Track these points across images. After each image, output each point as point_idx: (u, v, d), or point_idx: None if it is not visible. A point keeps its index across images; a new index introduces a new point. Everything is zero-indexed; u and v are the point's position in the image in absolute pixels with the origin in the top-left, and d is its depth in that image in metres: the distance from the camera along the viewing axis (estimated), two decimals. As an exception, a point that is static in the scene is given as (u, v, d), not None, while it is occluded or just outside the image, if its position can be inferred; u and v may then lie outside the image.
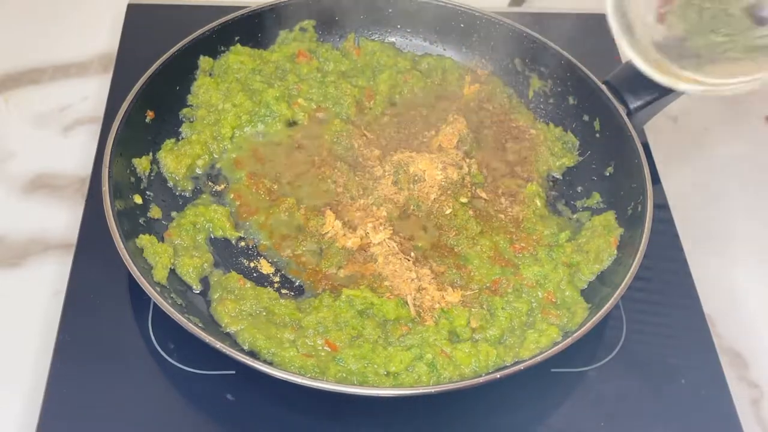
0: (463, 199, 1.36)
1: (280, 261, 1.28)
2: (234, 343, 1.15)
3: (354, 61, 1.55)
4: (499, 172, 1.42)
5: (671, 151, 1.55)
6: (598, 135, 1.43)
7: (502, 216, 1.36)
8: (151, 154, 1.35)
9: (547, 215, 1.37)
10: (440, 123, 1.47)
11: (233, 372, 1.16)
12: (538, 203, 1.37)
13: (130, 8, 1.64)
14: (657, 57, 1.24)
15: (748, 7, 1.20)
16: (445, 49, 1.60)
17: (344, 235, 1.29)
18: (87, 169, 1.38)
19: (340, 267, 1.27)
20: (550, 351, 1.11)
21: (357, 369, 1.12)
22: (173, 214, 1.31)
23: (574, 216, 1.39)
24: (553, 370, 1.20)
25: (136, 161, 1.32)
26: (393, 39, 1.60)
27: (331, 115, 1.48)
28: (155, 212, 1.30)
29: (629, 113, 1.38)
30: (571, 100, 1.47)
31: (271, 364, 1.12)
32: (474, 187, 1.38)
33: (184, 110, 1.43)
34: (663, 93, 1.37)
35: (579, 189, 1.42)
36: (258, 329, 1.16)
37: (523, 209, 1.36)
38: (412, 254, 1.28)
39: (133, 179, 1.30)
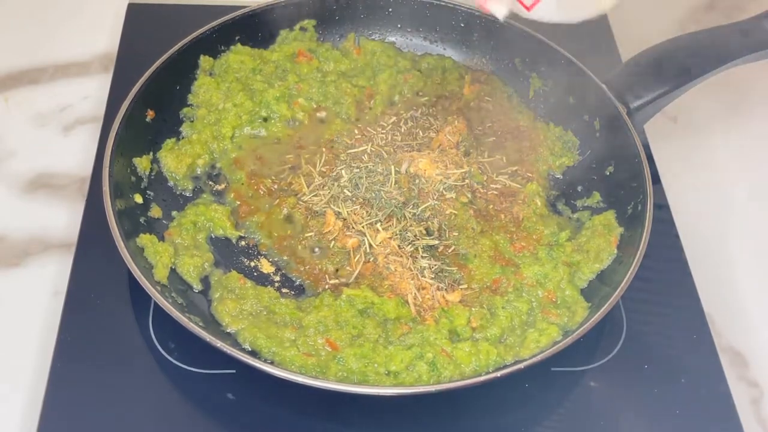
0: (463, 199, 1.36)
1: (280, 260, 1.29)
2: (235, 343, 1.15)
3: (354, 60, 1.55)
4: (500, 172, 1.42)
5: (671, 151, 1.55)
6: (598, 135, 1.43)
7: (503, 215, 1.36)
8: (151, 153, 1.35)
9: (547, 214, 1.37)
10: (440, 123, 1.47)
11: (234, 371, 1.16)
12: (538, 202, 1.37)
13: (130, 8, 1.64)
14: None
15: None
16: (445, 49, 1.60)
17: (345, 234, 1.29)
18: (87, 168, 1.38)
19: (340, 266, 1.27)
20: (550, 350, 1.12)
21: (357, 368, 1.12)
22: (174, 213, 1.31)
23: (575, 215, 1.39)
24: (553, 369, 1.20)
25: (136, 161, 1.32)
26: (393, 39, 1.60)
27: (332, 114, 1.48)
28: (156, 211, 1.30)
29: (629, 113, 1.38)
30: (571, 100, 1.47)
31: (271, 363, 1.12)
32: (474, 187, 1.38)
33: (185, 110, 1.43)
34: (663, 93, 1.37)
35: (579, 188, 1.42)
36: (258, 328, 1.16)
37: (523, 209, 1.36)
38: (412, 253, 1.28)
39: (133, 179, 1.30)
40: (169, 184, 1.35)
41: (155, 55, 1.39)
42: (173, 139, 1.38)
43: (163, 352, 1.17)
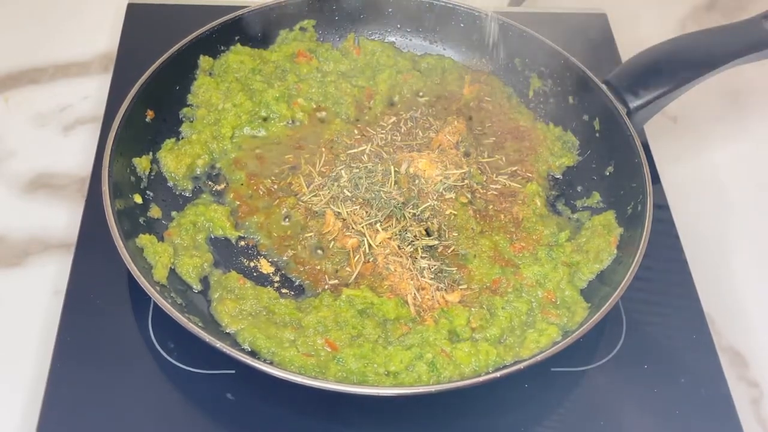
0: (463, 200, 1.36)
1: (280, 260, 1.28)
2: (234, 343, 1.15)
3: (354, 60, 1.55)
4: (499, 172, 1.42)
5: (671, 151, 1.55)
6: (598, 135, 1.43)
7: (502, 216, 1.36)
8: (151, 153, 1.35)
9: (546, 215, 1.37)
10: (440, 123, 1.47)
11: (233, 371, 1.16)
12: (538, 203, 1.37)
13: (130, 8, 1.64)
14: None
15: None
16: (445, 49, 1.60)
17: (344, 234, 1.29)
18: (87, 168, 1.38)
19: (340, 266, 1.27)
20: (549, 350, 1.12)
21: (357, 368, 1.12)
22: (173, 213, 1.31)
23: (574, 215, 1.39)
24: (553, 369, 1.20)
25: (136, 161, 1.32)
26: (393, 39, 1.60)
27: (331, 114, 1.48)
28: (155, 212, 1.30)
29: (629, 113, 1.38)
30: (571, 100, 1.47)
31: (271, 363, 1.12)
32: (474, 187, 1.38)
33: (184, 110, 1.43)
34: (663, 93, 1.37)
35: (579, 188, 1.42)
36: (258, 329, 1.16)
37: (522, 209, 1.36)
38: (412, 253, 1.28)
39: (133, 179, 1.30)
40: (168, 184, 1.35)
41: (155, 55, 1.39)
42: (173, 139, 1.38)
43: (162, 353, 1.17)
